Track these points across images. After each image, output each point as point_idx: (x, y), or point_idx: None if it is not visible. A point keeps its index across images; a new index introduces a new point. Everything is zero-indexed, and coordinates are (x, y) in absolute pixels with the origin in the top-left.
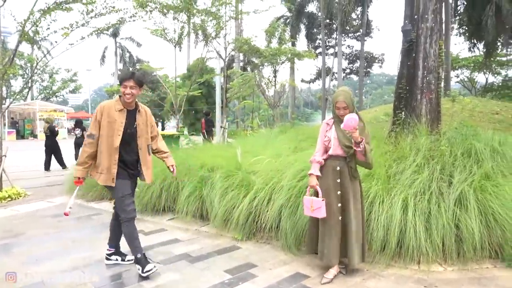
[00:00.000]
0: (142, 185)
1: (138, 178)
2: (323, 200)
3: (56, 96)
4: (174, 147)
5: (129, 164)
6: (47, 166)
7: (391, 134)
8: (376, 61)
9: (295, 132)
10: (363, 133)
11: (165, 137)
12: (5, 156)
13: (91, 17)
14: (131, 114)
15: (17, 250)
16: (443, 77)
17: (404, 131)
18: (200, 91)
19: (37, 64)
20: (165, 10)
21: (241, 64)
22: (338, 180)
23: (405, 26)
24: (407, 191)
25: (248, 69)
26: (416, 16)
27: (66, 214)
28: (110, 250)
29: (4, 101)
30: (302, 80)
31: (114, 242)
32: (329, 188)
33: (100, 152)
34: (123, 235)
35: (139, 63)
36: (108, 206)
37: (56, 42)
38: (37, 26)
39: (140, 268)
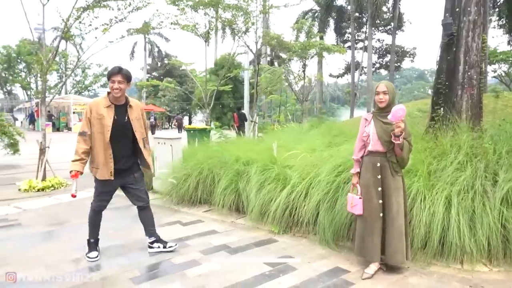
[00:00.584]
0: (179, 178)
1: (135, 172)
2: (360, 198)
3: (88, 90)
4: (206, 141)
5: (121, 159)
6: None
7: (429, 130)
8: (408, 55)
9: (327, 127)
10: (406, 128)
11: (196, 130)
12: (49, 147)
13: (129, 12)
14: (121, 109)
15: (64, 237)
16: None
17: (443, 127)
18: (230, 86)
19: (78, 59)
20: (196, 6)
21: (268, 58)
22: (379, 176)
23: (446, 20)
24: (450, 189)
25: (276, 63)
26: (457, 9)
27: (73, 196)
28: (151, 239)
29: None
30: (330, 75)
31: (149, 231)
32: (369, 185)
33: (94, 148)
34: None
35: (167, 58)
36: None
37: (96, 38)
38: (80, 22)
39: (86, 250)
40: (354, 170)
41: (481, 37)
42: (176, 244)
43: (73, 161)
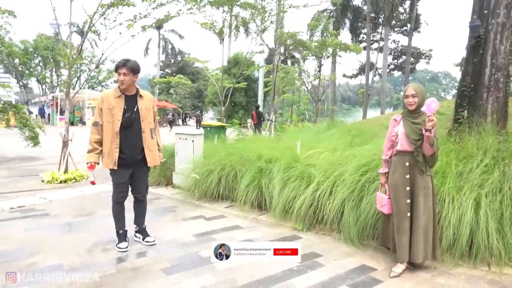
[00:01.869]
0: (201, 173)
1: (145, 163)
2: (388, 198)
3: (102, 86)
4: (223, 138)
5: (131, 149)
6: None
7: (452, 132)
8: (423, 57)
9: (345, 127)
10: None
11: (213, 127)
12: (71, 140)
13: (153, 8)
14: (131, 99)
15: (92, 228)
16: None
17: (468, 130)
18: (245, 83)
19: (102, 55)
20: (215, 4)
21: (281, 58)
22: (407, 176)
23: (473, 22)
24: (478, 191)
25: (289, 63)
26: (486, 11)
27: (92, 183)
28: (136, 228)
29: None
30: (344, 75)
31: (138, 221)
32: (398, 184)
33: (103, 138)
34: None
35: (180, 55)
36: (165, 191)
37: (120, 33)
38: (105, 18)
39: (116, 241)
40: (382, 169)
41: (509, 40)
42: (154, 241)
43: (88, 152)
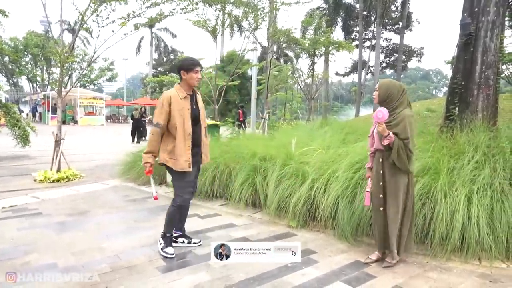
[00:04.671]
0: None
1: (201, 163)
2: (367, 191)
3: (94, 84)
4: (216, 136)
5: (196, 148)
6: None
7: (443, 129)
8: (415, 55)
9: (339, 125)
10: (397, 127)
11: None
12: (64, 139)
13: (147, 7)
14: (192, 99)
15: (87, 227)
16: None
17: (459, 126)
18: (238, 81)
19: (94, 53)
20: (210, 1)
21: (274, 56)
22: (381, 172)
23: (464, 20)
24: (469, 187)
25: (281, 61)
26: (476, 9)
27: (155, 198)
28: (176, 233)
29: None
30: (337, 73)
31: (178, 226)
32: (374, 179)
33: (174, 139)
34: (167, 213)
35: (173, 53)
36: (159, 190)
37: (113, 31)
38: (97, 16)
39: (162, 245)
40: (368, 164)
41: (499, 38)
42: (200, 241)
43: (146, 153)
